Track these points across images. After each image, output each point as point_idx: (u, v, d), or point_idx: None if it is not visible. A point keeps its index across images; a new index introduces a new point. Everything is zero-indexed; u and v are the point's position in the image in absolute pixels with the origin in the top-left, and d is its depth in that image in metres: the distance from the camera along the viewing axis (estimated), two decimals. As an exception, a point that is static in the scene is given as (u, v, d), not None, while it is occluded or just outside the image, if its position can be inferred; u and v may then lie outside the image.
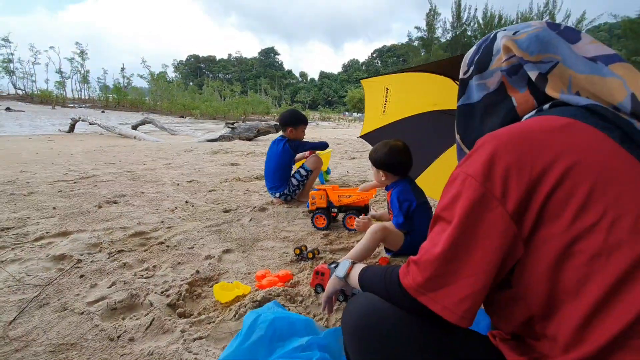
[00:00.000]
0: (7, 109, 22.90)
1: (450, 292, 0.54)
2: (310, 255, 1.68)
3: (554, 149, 0.50)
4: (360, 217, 1.86)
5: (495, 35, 0.71)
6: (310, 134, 8.26)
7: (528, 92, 0.65)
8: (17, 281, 1.44)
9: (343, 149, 7.35)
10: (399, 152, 1.72)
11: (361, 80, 1.97)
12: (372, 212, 2.35)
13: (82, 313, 1.24)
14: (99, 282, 1.47)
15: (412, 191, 1.73)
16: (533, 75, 0.63)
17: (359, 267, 0.88)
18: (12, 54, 44.43)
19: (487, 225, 0.52)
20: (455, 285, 0.54)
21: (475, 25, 21.60)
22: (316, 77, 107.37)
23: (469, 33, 22.00)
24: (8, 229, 2.06)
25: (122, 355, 1.04)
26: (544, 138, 0.52)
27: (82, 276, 1.51)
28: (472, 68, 0.74)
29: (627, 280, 0.44)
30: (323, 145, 2.84)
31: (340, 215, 2.25)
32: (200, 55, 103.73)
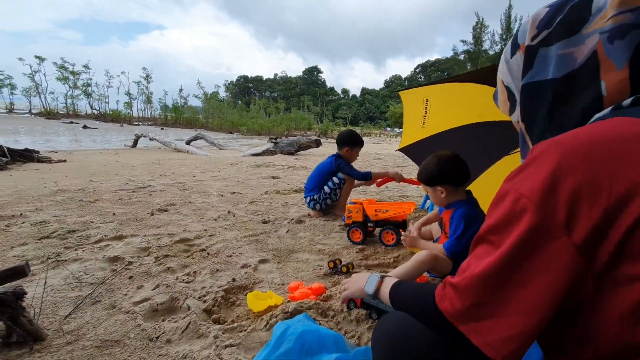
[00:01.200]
0: (84, 126, 26.16)
1: (495, 326, 0.46)
2: (345, 269, 1.64)
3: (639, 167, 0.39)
4: (407, 231, 1.72)
5: None
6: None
7: (627, 70, 0.48)
8: (76, 279, 1.59)
9: (383, 163, 7.24)
10: (450, 161, 1.56)
11: (399, 92, 1.93)
12: (412, 228, 2.25)
13: (128, 312, 1.32)
14: (145, 284, 1.56)
15: (478, 218, 1.53)
16: None
17: (390, 281, 0.83)
18: (90, 79, 50.98)
19: (545, 257, 0.43)
20: (502, 319, 0.46)
21: (528, 36, 20.43)
22: (358, 94, 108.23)
23: (520, 44, 20.87)
24: (74, 231, 2.30)
25: (158, 356, 1.08)
26: (627, 151, 0.40)
27: (131, 277, 1.62)
28: (547, 32, 0.57)
29: None
30: (364, 176, 2.70)
31: (377, 230, 2.19)
32: (249, 76, 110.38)
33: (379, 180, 2.74)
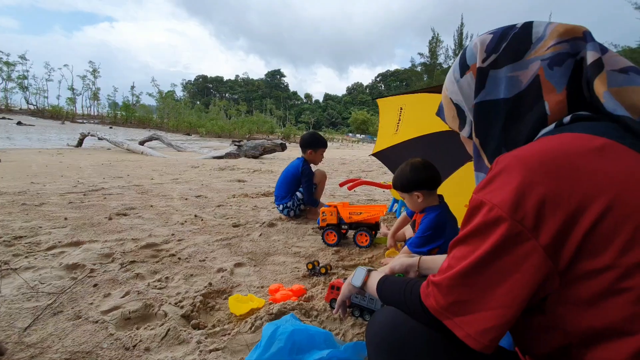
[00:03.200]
0: (19, 122, 23.43)
1: (474, 320, 0.52)
2: (323, 270, 1.67)
3: (594, 178, 0.46)
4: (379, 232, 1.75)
5: (527, 24, 0.62)
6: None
7: (565, 93, 0.56)
8: (31, 289, 1.44)
9: (348, 168, 7.40)
10: (422, 166, 1.65)
11: (377, 100, 2.02)
12: (384, 229, 2.35)
13: (97, 322, 1.23)
14: (113, 292, 1.46)
15: (447, 225, 1.61)
16: (593, 56, 0.54)
17: (376, 275, 0.88)
18: (27, 71, 45.96)
19: (517, 259, 0.49)
20: (480, 314, 0.52)
21: (477, 53, 22.28)
22: (321, 99, 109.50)
23: (471, 60, 22.67)
24: (21, 237, 2.08)
25: (138, 365, 1.03)
26: (580, 164, 0.47)
27: (95, 285, 1.51)
28: (495, 56, 0.63)
29: None
30: (313, 202, 2.74)
31: (351, 232, 2.25)
32: (209, 76, 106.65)
33: (350, 184, 2.82)
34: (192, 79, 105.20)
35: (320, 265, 1.71)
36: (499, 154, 0.59)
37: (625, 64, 0.54)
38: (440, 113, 0.82)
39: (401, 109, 1.95)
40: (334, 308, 1.31)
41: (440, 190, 2.15)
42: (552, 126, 0.57)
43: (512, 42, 0.62)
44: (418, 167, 1.65)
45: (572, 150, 0.48)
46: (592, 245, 0.45)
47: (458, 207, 2.15)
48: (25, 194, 3.38)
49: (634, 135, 0.49)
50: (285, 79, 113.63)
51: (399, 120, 1.99)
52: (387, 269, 1.10)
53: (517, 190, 0.48)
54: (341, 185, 3.08)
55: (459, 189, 2.17)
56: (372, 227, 2.13)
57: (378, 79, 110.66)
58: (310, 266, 1.69)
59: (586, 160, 0.47)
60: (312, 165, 2.86)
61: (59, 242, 2.03)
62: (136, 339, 1.14)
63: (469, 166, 2.05)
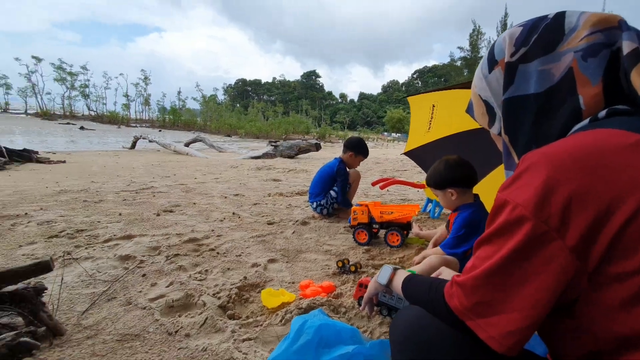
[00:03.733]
0: (81, 127, 26.04)
1: (498, 322, 0.51)
2: (353, 268, 1.68)
3: (626, 176, 0.43)
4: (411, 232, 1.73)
5: (560, 15, 0.59)
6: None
7: (601, 87, 0.53)
8: (90, 277, 1.62)
9: (382, 168, 7.30)
10: (458, 163, 1.61)
11: (407, 98, 1.99)
12: (416, 229, 2.30)
13: (145, 308, 1.36)
14: (159, 282, 1.60)
15: (481, 223, 1.55)
16: (629, 46, 0.51)
17: (402, 274, 0.88)
18: (88, 80, 50.81)
19: (542, 260, 0.47)
20: (503, 315, 0.51)
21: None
22: (355, 98, 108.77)
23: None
24: (82, 230, 2.33)
25: (179, 349, 1.12)
26: (611, 161, 0.45)
27: (144, 275, 1.66)
28: (524, 49, 0.61)
29: None
30: (346, 202, 2.79)
31: (382, 232, 2.24)
32: (247, 79, 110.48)
33: (382, 183, 2.80)
34: (232, 83, 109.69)
35: (350, 263, 1.72)
36: (529, 149, 0.57)
37: None
38: (469, 110, 0.81)
39: (433, 106, 1.90)
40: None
41: (476, 190, 2.06)
42: (586, 121, 0.54)
43: (543, 34, 0.59)
44: (453, 164, 1.62)
45: (604, 147, 0.46)
46: (622, 247, 0.43)
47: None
48: (86, 192, 3.75)
49: None
50: (321, 80, 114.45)
51: (431, 118, 1.93)
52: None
53: (543, 188, 0.47)
54: (373, 184, 3.06)
55: (495, 189, 2.06)
56: (403, 227, 2.10)
57: (415, 76, 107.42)
58: (340, 264, 1.71)
59: (619, 157, 0.45)
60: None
61: (114, 235, 2.25)
62: (178, 325, 1.24)
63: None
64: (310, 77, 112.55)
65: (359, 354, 0.96)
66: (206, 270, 1.74)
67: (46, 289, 1.21)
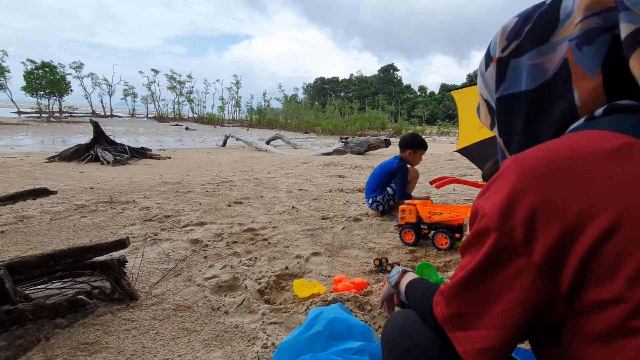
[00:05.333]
0: (187, 128, 30.35)
1: (472, 337, 0.49)
2: (389, 268, 1.67)
3: (600, 187, 0.37)
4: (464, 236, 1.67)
5: (556, 0, 0.52)
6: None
7: (600, 77, 0.45)
8: (166, 255, 1.95)
9: (455, 165, 6.76)
10: None
11: (451, 92, 1.85)
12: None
13: (200, 285, 1.59)
14: (215, 264, 1.84)
15: None
16: (627, 29, 0.42)
17: (409, 276, 0.87)
18: (192, 87, 58.68)
19: (508, 275, 0.44)
20: (477, 332, 0.48)
21: None
22: (436, 90, 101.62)
23: None
24: (169, 216, 2.79)
25: (217, 323, 1.29)
26: (585, 168, 0.39)
27: (205, 257, 1.92)
28: (516, 42, 0.56)
29: None
30: (405, 196, 2.72)
31: (432, 233, 2.13)
32: (326, 77, 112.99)
33: (437, 183, 2.65)
34: (312, 82, 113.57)
35: (388, 262, 1.71)
36: None
37: None
38: (477, 111, 0.75)
39: (484, 100, 1.72)
40: (387, 306, 1.32)
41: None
42: (582, 120, 0.47)
43: (537, 23, 0.53)
44: None
45: (580, 153, 0.40)
46: (596, 270, 0.37)
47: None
48: (180, 184, 4.43)
49: None
50: (398, 73, 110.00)
51: (483, 112, 1.75)
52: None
53: (508, 197, 0.43)
54: (431, 183, 2.90)
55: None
56: (454, 230, 1.97)
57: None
58: (377, 262, 1.71)
59: (594, 165, 0.39)
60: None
61: (191, 221, 2.63)
62: (221, 303, 1.43)
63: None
64: (388, 71, 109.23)
65: (365, 350, 0.98)
66: (255, 258, 1.92)
67: (127, 261, 1.52)
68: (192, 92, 58.15)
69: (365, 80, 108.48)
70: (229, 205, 3.21)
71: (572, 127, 0.49)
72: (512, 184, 0.43)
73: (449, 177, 2.44)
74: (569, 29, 0.49)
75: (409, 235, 2.07)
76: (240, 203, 3.36)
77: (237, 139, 14.07)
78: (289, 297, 1.50)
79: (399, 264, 1.73)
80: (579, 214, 0.38)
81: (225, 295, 1.51)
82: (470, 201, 3.34)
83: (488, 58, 0.63)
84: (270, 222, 2.66)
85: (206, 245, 2.11)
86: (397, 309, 1.27)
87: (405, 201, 2.18)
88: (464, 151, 2.05)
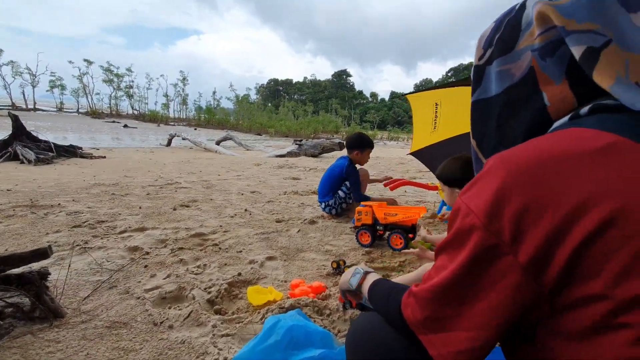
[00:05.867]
0: (125, 125, 27.91)
1: (448, 339, 0.47)
2: (347, 269, 1.64)
3: (587, 187, 0.37)
4: (416, 249, 1.75)
5: (523, 4, 0.54)
6: (376, 153, 8.25)
7: (566, 83, 0.48)
8: (98, 265, 1.72)
9: (405, 168, 7.12)
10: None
11: (407, 96, 1.93)
12: (423, 233, 2.21)
13: (139, 298, 1.42)
14: (158, 273, 1.66)
15: None
16: (578, 51, 0.44)
17: (372, 278, 0.85)
18: (132, 81, 54.20)
19: (492, 276, 0.43)
20: (454, 334, 0.47)
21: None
22: (387, 97, 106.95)
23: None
24: (103, 221, 2.48)
25: (160, 340, 1.15)
26: (573, 168, 0.39)
27: (146, 266, 1.73)
28: (490, 50, 0.58)
29: None
30: (363, 199, 2.71)
31: (387, 234, 2.17)
32: (279, 79, 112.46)
33: (391, 185, 2.73)
34: (265, 83, 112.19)
35: (346, 264, 1.69)
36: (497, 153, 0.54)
37: None
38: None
39: (436, 104, 1.81)
40: (346, 309, 1.29)
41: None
42: (566, 119, 0.48)
43: (504, 32, 0.56)
44: (469, 166, 1.55)
45: (567, 152, 0.40)
46: (582, 268, 0.37)
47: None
48: (117, 186, 4.00)
49: None
50: (351, 79, 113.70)
51: (436, 117, 1.85)
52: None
53: (495, 196, 0.42)
54: (385, 185, 2.98)
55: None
56: (407, 230, 2.03)
57: (449, 74, 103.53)
58: (334, 265, 1.69)
59: (580, 164, 0.39)
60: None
61: (129, 227, 2.37)
62: (164, 317, 1.28)
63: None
64: (341, 76, 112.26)
65: (326, 358, 0.93)
66: (205, 265, 1.78)
67: (49, 274, 1.30)
68: (132, 87, 53.72)
69: (319, 84, 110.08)
70: (174, 209, 2.97)
71: (556, 124, 0.50)
72: (500, 182, 0.43)
73: (402, 179, 2.52)
74: (529, 38, 0.52)
75: (366, 237, 2.08)
76: (187, 206, 3.13)
77: (183, 139, 13.27)
78: (243, 305, 1.40)
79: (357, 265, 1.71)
80: (567, 214, 0.37)
81: (169, 308, 1.36)
82: (420, 202, 3.50)
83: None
84: (221, 226, 2.51)
85: (147, 253, 1.90)
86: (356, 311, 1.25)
87: (362, 203, 2.19)
88: (417, 154, 2.13)
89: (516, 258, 0.40)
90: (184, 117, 53.92)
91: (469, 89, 1.72)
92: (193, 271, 1.69)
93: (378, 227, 2.11)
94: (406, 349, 0.61)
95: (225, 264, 1.80)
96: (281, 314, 1.23)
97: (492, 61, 0.58)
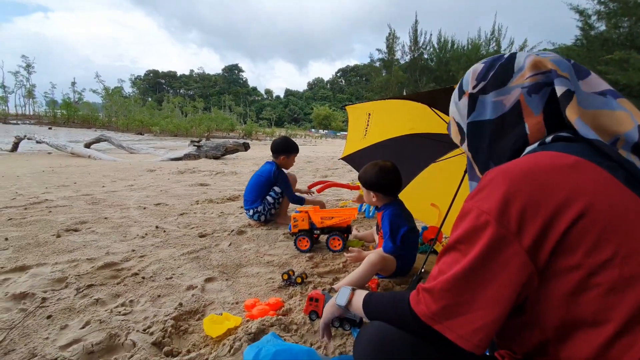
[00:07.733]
0: None
1: (465, 321, 0.57)
2: (299, 280, 1.66)
3: (567, 190, 0.53)
4: (350, 251, 1.89)
5: (512, 56, 0.72)
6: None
7: (542, 117, 0.66)
8: (-30, 328, 1.27)
9: (314, 166, 7.41)
10: (388, 172, 1.78)
11: (346, 107, 2.05)
12: (354, 232, 2.39)
13: (56, 359, 1.12)
14: (70, 323, 1.33)
15: (403, 215, 1.78)
16: (561, 90, 0.62)
17: (361, 293, 0.89)
18: (-59, 65, 40.16)
19: (504, 260, 0.55)
20: (470, 315, 0.57)
21: (431, 49, 23.25)
22: (282, 95, 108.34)
23: (425, 56, 23.55)
24: (-50, 266, 1.82)
25: (107, 406, 0.95)
26: (556, 177, 0.55)
27: (49, 317, 1.37)
28: (483, 83, 0.74)
29: None
30: (298, 200, 2.80)
31: (323, 237, 2.26)
32: (160, 71, 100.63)
33: (319, 187, 2.84)
34: (142, 75, 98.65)
35: (296, 274, 1.69)
36: (487, 165, 0.75)
37: (604, 87, 0.64)
38: (448, 128, 0.91)
39: (369, 114, 2.00)
40: (313, 320, 1.31)
41: (406, 190, 2.24)
42: (535, 144, 0.66)
43: (498, 70, 0.72)
44: (384, 171, 1.78)
45: (550, 166, 0.57)
46: (565, 246, 0.52)
47: (424, 206, 2.25)
48: (-50, 212, 2.96)
49: (603, 155, 0.57)
50: (244, 74, 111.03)
51: (367, 125, 2.03)
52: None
53: (503, 198, 0.56)
54: (310, 187, 3.08)
55: (425, 189, 2.27)
56: (344, 231, 2.16)
57: (339, 75, 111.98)
58: (285, 276, 1.67)
59: (561, 174, 0.55)
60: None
61: (1, 267, 1.81)
62: (103, 377, 1.05)
63: (432, 168, 2.15)
64: (233, 70, 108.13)
65: (320, 376, 0.94)
66: (131, 301, 1.51)
67: None
68: (-59, 73, 39.69)
69: (209, 78, 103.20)
70: (58, 236, 2.39)
71: (528, 149, 0.67)
72: (505, 188, 0.57)
73: (327, 181, 2.64)
74: (520, 79, 0.69)
75: (304, 242, 2.12)
76: (76, 230, 2.56)
77: (38, 142, 10.64)
78: (198, 340, 1.26)
79: (307, 275, 1.74)
80: (556, 208, 0.53)
81: (104, 364, 1.12)
82: (339, 200, 3.72)
83: (461, 91, 0.80)
84: (133, 250, 2.15)
85: (44, 300, 1.50)
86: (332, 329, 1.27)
87: (297, 208, 2.21)
88: (348, 158, 2.28)
89: (521, 244, 0.54)
90: (31, 113, 42.94)
91: (400, 101, 1.95)
92: (119, 312, 1.42)
93: (315, 231, 2.18)
94: (423, 353, 0.67)
95: (159, 296, 1.57)
96: (251, 340, 1.16)
97: (487, 92, 0.73)
